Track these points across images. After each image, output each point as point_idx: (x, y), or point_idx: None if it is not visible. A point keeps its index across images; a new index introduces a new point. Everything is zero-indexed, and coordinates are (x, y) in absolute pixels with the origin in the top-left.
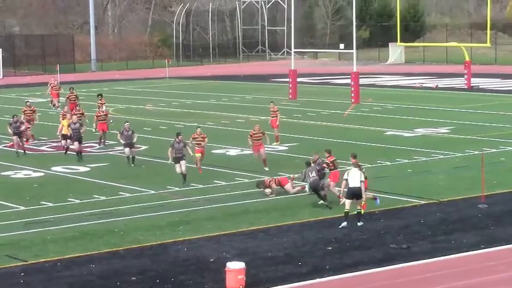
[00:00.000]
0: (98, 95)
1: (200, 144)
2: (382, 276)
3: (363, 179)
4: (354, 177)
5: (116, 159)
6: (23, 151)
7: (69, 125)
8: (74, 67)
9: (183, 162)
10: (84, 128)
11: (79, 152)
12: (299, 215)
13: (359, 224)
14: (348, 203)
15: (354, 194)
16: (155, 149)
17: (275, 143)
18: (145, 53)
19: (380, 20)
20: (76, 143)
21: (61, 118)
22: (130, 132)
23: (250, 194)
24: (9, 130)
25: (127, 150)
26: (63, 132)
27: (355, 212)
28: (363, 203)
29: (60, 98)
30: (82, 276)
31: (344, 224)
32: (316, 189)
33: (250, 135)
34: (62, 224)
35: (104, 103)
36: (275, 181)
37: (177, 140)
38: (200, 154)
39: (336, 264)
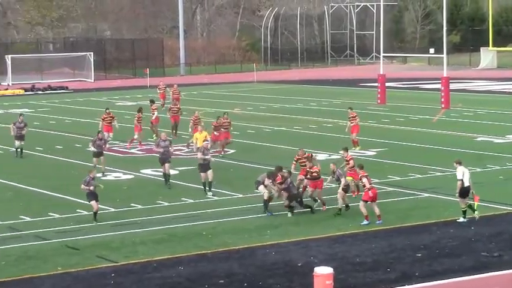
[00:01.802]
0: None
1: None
2: (472, 284)
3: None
4: (466, 177)
5: None
6: (101, 173)
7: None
8: (163, 71)
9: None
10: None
11: (167, 175)
12: (386, 221)
13: (475, 214)
14: (462, 201)
15: (467, 193)
16: (242, 153)
17: (355, 148)
18: (234, 57)
19: (471, 24)
20: (167, 165)
21: (193, 131)
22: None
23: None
24: (92, 148)
25: (203, 174)
26: (198, 146)
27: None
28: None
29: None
30: (171, 278)
31: (463, 219)
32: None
33: (295, 160)
34: (151, 226)
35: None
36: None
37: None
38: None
39: (426, 271)
